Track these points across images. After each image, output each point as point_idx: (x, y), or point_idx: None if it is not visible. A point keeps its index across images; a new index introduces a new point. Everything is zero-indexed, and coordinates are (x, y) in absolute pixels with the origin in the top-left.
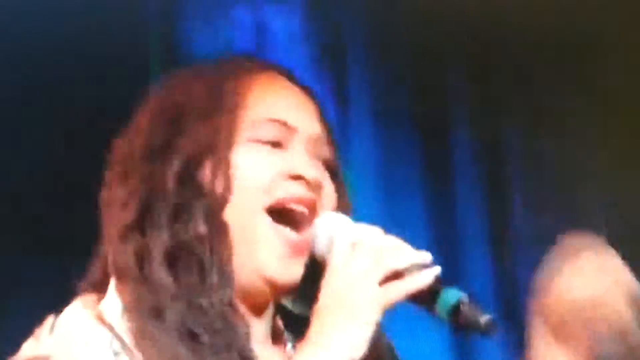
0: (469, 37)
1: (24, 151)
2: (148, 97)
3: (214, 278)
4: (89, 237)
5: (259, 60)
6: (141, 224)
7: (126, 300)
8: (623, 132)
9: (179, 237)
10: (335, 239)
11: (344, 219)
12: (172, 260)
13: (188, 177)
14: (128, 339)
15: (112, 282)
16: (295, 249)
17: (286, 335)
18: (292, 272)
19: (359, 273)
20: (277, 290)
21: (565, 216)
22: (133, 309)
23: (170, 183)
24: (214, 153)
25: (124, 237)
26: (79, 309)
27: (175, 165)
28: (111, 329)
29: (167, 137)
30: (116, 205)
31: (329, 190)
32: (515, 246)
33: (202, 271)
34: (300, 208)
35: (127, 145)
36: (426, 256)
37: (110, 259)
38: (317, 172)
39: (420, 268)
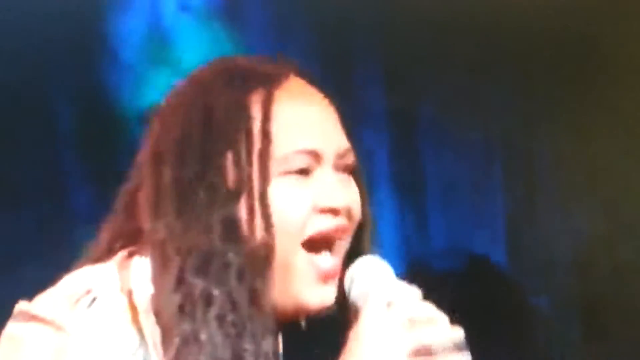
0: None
1: None
2: (170, 100)
3: (257, 327)
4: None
5: (279, 62)
6: (183, 270)
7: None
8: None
9: (221, 285)
10: (371, 292)
11: (385, 270)
12: (211, 304)
13: (229, 222)
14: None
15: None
16: (328, 276)
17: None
18: (325, 297)
19: (390, 339)
20: (309, 314)
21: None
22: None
23: (213, 230)
24: (250, 191)
25: (171, 281)
26: (115, 288)
27: (216, 209)
28: (139, 327)
29: (198, 165)
30: (155, 238)
31: (356, 199)
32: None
33: (243, 320)
34: (333, 237)
35: (154, 160)
36: (459, 334)
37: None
38: (345, 196)
39: (452, 348)
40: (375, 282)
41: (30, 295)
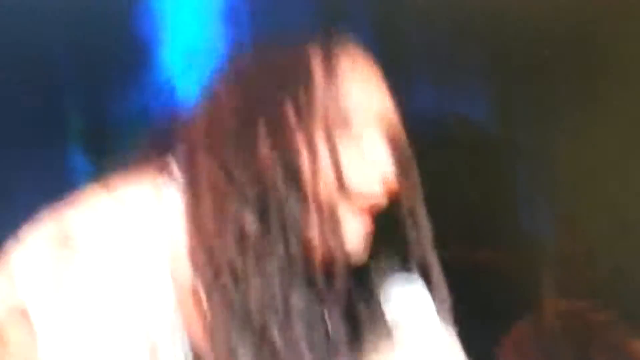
0: None
1: None
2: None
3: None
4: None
5: (338, 40)
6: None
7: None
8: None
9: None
10: (402, 325)
11: (421, 299)
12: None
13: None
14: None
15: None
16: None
17: None
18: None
19: None
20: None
21: None
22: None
23: (277, 179)
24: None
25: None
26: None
27: (279, 159)
28: None
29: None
30: (212, 179)
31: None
32: None
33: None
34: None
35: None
36: None
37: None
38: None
39: None
40: (407, 315)
41: None
